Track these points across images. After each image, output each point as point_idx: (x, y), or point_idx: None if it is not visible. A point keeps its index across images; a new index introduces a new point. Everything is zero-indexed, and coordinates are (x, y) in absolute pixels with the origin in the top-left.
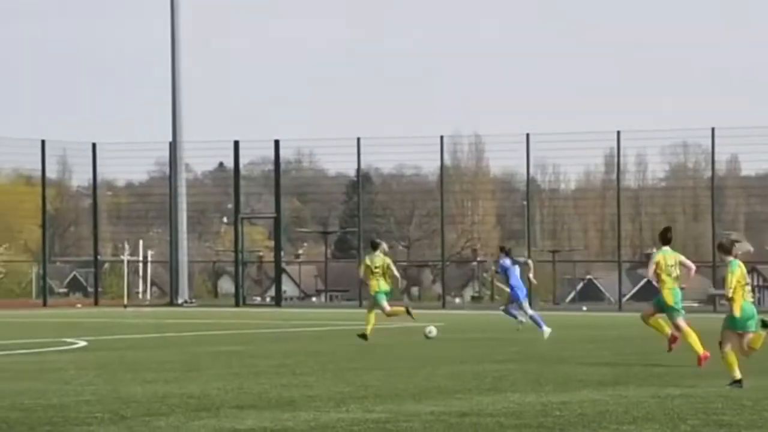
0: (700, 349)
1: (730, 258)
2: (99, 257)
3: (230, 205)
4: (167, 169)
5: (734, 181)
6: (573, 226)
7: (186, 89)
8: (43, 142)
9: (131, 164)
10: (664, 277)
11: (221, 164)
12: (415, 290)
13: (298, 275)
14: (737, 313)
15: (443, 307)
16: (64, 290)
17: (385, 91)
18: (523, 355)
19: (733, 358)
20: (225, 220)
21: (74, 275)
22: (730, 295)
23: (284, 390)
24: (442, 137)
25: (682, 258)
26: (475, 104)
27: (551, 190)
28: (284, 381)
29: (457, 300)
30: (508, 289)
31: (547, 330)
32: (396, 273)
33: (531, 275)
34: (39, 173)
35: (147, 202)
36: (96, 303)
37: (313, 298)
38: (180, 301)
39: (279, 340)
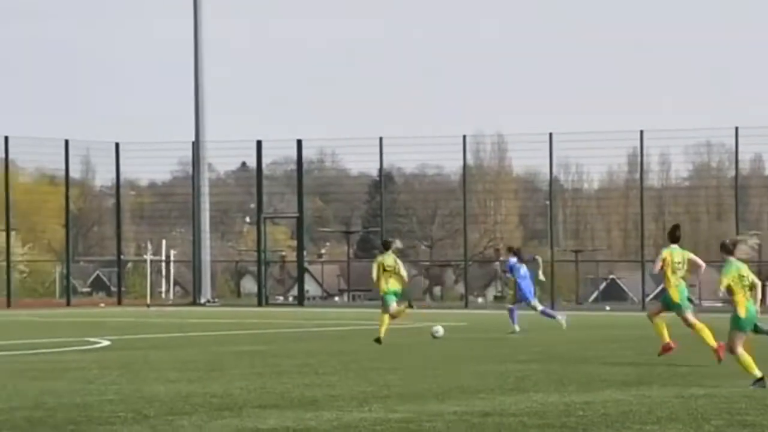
0: (713, 341)
1: (730, 258)
2: (122, 257)
3: (253, 205)
4: (190, 169)
5: (758, 180)
6: (596, 226)
7: (209, 89)
8: (66, 141)
9: (154, 164)
10: (669, 274)
11: (244, 164)
12: (437, 290)
13: (321, 275)
14: (742, 313)
15: (466, 306)
16: (88, 290)
17: (407, 91)
18: (545, 355)
19: (748, 358)
20: (248, 219)
21: (97, 275)
22: (721, 291)
23: (307, 389)
24: (464, 137)
25: (692, 256)
26: (498, 103)
27: (574, 189)
28: (307, 380)
29: (480, 300)
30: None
31: (562, 319)
32: (404, 273)
33: (540, 272)
34: (62, 173)
35: (170, 202)
36: (119, 302)
37: (336, 298)
38: (203, 300)
39: (301, 339)
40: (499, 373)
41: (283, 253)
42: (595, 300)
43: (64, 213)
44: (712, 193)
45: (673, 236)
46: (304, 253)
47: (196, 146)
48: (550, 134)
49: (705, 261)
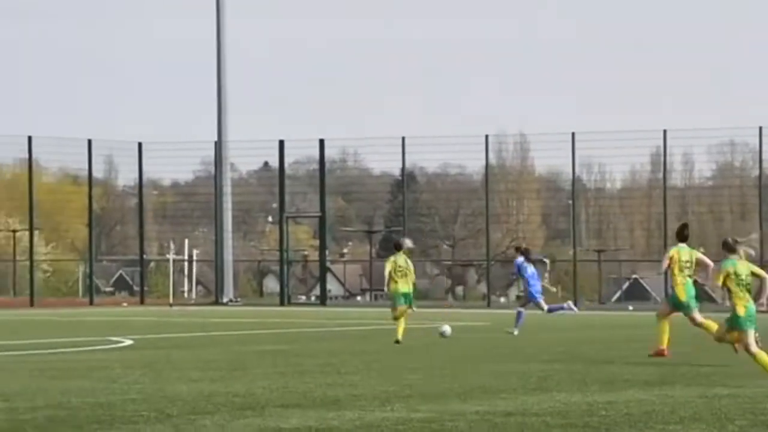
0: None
1: (730, 256)
2: (145, 256)
3: (275, 205)
4: (212, 169)
5: None
6: (619, 226)
7: (231, 88)
8: (89, 141)
9: (177, 164)
10: (676, 272)
11: (266, 163)
12: (459, 289)
13: (343, 274)
14: (740, 312)
15: (488, 306)
16: (111, 289)
17: (429, 90)
18: (568, 354)
19: (764, 355)
20: (270, 219)
21: (120, 274)
22: (714, 284)
23: (329, 389)
24: (487, 136)
25: (700, 255)
26: (521, 103)
27: (597, 189)
28: (329, 380)
29: (502, 299)
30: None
31: (570, 308)
32: (413, 275)
33: (546, 275)
34: (85, 172)
35: (192, 202)
36: (142, 302)
37: (358, 297)
38: (225, 300)
39: (324, 339)
40: (522, 373)
41: (306, 253)
42: (618, 300)
43: (87, 212)
44: (735, 192)
45: (681, 235)
46: (327, 252)
47: (219, 146)
48: (573, 134)
49: None
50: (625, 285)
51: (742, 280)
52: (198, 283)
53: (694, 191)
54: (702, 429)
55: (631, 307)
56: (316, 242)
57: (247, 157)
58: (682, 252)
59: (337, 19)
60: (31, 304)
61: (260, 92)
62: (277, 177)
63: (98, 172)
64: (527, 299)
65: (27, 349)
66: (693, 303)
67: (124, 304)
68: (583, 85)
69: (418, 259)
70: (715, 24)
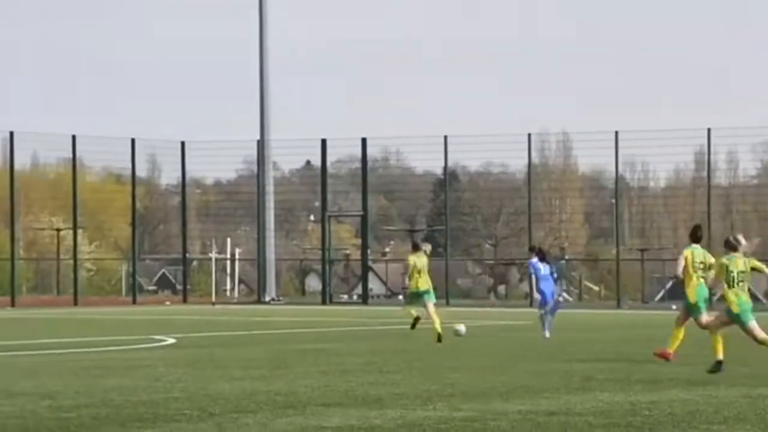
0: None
1: (731, 253)
2: (187, 255)
3: (317, 203)
4: (255, 168)
5: None
6: (662, 224)
7: (274, 88)
8: (132, 140)
9: (219, 162)
10: (690, 272)
11: (308, 162)
12: (501, 288)
13: (385, 273)
14: (734, 309)
15: (530, 305)
16: (153, 288)
17: (472, 89)
18: (611, 354)
19: (721, 340)
20: (312, 218)
21: (163, 273)
22: (712, 277)
23: (371, 388)
24: (529, 135)
25: (712, 260)
26: (564, 102)
27: (640, 187)
28: (371, 379)
29: None
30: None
31: (547, 334)
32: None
33: (560, 285)
34: (129, 172)
35: (235, 200)
36: (184, 300)
37: (400, 296)
38: (267, 298)
39: (366, 337)
40: (564, 372)
41: (348, 252)
42: (662, 299)
43: (130, 211)
44: None
45: (695, 236)
46: (368, 251)
47: (261, 145)
48: (616, 132)
49: None
50: (669, 284)
51: (733, 274)
52: (240, 281)
53: (738, 190)
54: (747, 429)
55: (674, 307)
56: (358, 241)
57: (290, 155)
58: (695, 253)
59: (379, 19)
60: (75, 303)
61: (303, 91)
62: (320, 176)
63: (141, 171)
64: (541, 302)
65: (70, 347)
66: (703, 305)
67: (167, 303)
68: (627, 84)
69: (460, 258)
70: (760, 22)
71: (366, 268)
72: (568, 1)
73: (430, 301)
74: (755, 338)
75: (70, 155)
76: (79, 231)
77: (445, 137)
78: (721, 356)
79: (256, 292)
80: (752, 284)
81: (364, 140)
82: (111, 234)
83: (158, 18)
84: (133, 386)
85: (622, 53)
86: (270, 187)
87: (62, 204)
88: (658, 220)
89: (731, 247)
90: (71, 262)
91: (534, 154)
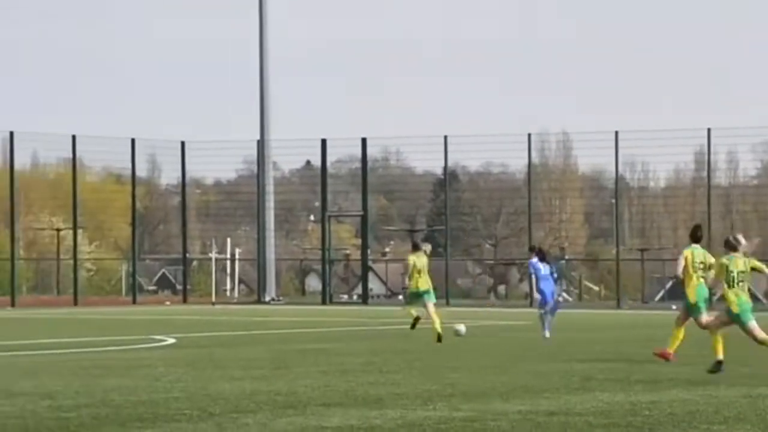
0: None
1: (731, 253)
2: (187, 255)
3: (317, 203)
4: (255, 168)
5: None
6: (662, 224)
7: (274, 87)
8: (132, 140)
9: (219, 162)
10: (690, 272)
11: (308, 162)
12: (502, 288)
13: (385, 273)
14: (734, 309)
15: (530, 305)
16: (153, 288)
17: (472, 89)
18: (611, 354)
19: (721, 340)
20: (312, 218)
21: (163, 273)
22: (712, 277)
23: (371, 388)
24: (529, 135)
25: (712, 260)
26: (563, 101)
27: (640, 188)
28: (371, 379)
29: None
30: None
31: (547, 334)
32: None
33: (560, 285)
34: (129, 172)
35: (235, 200)
36: (184, 300)
37: (400, 297)
38: (267, 298)
39: (366, 338)
40: (564, 372)
41: (348, 252)
42: (662, 299)
43: (130, 211)
44: None
45: (695, 236)
46: (368, 251)
47: (261, 145)
48: (616, 132)
49: None
50: (669, 284)
51: (733, 274)
52: (240, 281)
53: (738, 190)
54: (747, 429)
55: (674, 307)
56: (358, 241)
57: (290, 156)
58: (695, 253)
59: (379, 19)
60: (75, 303)
61: (303, 91)
62: (320, 176)
63: (141, 171)
64: (540, 302)
65: (70, 347)
66: (702, 305)
67: (167, 303)
68: (626, 84)
69: (460, 258)
70: (758, 22)
71: (366, 268)
72: (568, 1)
73: (430, 301)
74: (755, 338)
75: (70, 155)
76: (79, 231)
77: (445, 137)
78: (721, 356)
79: (256, 292)
80: (752, 284)
81: (364, 140)
82: (111, 234)
83: (158, 18)
84: (133, 386)
85: (622, 53)
86: (270, 187)
87: (62, 204)
88: (658, 220)
89: (731, 247)
90: (71, 262)
91: (534, 154)
